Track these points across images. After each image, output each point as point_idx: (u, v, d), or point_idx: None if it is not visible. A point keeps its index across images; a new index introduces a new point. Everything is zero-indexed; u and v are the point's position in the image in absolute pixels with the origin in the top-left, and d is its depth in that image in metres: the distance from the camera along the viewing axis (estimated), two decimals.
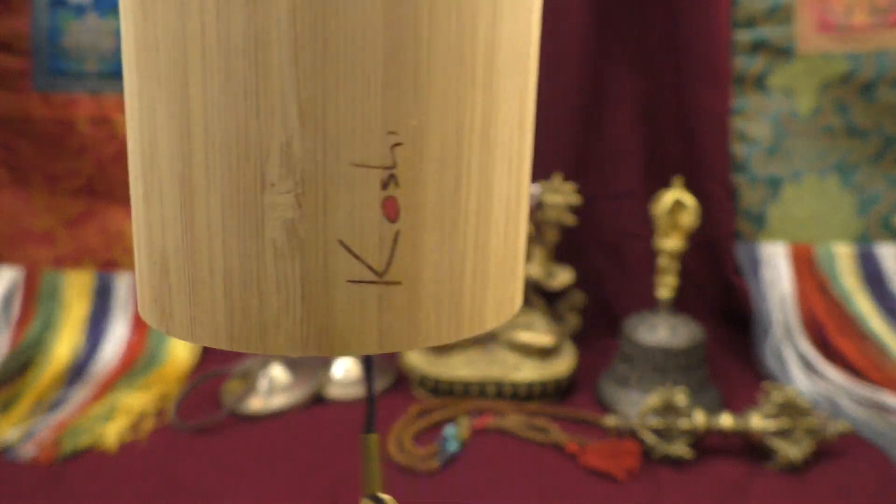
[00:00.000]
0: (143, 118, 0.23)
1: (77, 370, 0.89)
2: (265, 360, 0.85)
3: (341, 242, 0.22)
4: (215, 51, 0.21)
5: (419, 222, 0.22)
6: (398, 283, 0.23)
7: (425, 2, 0.21)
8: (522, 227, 0.27)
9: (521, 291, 0.28)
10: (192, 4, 0.21)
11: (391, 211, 0.22)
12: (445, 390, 0.81)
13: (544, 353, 0.82)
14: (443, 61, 0.21)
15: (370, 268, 0.22)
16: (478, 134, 0.23)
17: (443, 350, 0.83)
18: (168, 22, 0.22)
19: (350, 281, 0.22)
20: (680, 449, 0.68)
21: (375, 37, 0.20)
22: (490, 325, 0.26)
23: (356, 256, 0.22)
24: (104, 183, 0.97)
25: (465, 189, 0.23)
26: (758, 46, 0.91)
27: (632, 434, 0.70)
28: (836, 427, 0.67)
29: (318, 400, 0.82)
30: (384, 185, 0.22)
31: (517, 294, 0.27)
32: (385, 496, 0.30)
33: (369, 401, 0.28)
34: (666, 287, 0.80)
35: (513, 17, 0.23)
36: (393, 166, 0.22)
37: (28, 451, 0.71)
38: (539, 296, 0.90)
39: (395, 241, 0.22)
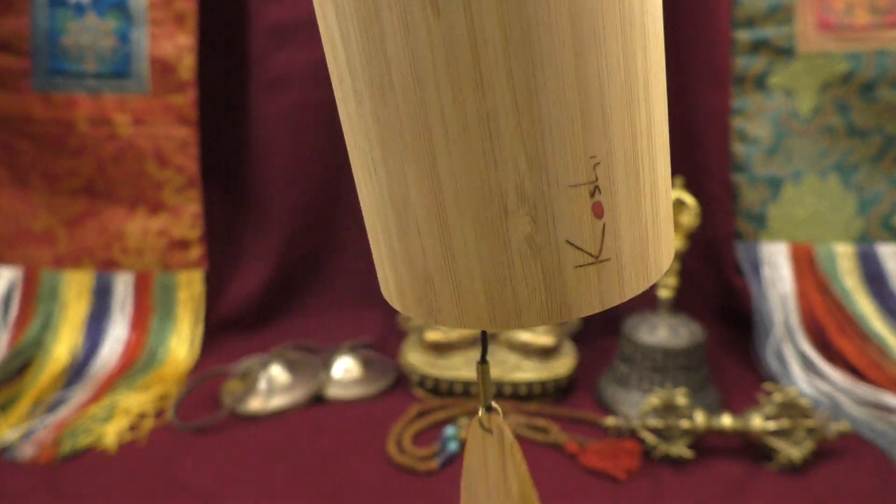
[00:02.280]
0: (390, 175, 0.30)
1: (76, 370, 0.89)
2: (265, 360, 0.85)
3: (568, 241, 0.30)
4: (455, 127, 0.28)
5: (616, 214, 0.30)
6: (608, 259, 0.31)
7: (603, 60, 0.28)
8: (670, 187, 0.35)
9: (672, 233, 0.37)
10: (430, 97, 0.28)
11: (598, 211, 0.30)
12: (445, 390, 0.81)
13: (544, 353, 0.82)
14: (618, 98, 0.29)
15: (589, 254, 0.30)
16: (646, 139, 0.31)
17: (443, 350, 0.83)
18: (410, 110, 0.29)
19: (577, 266, 0.30)
20: (680, 449, 0.68)
21: (572, 97, 0.28)
22: (665, 267, 0.34)
23: (579, 248, 0.30)
24: (104, 183, 0.96)
25: (642, 181, 0.31)
26: (758, 46, 0.91)
27: (632, 434, 0.70)
28: (836, 427, 0.67)
29: (318, 400, 0.82)
30: (592, 194, 0.29)
31: (672, 241, 0.36)
32: (495, 404, 0.39)
33: (483, 338, 0.38)
34: (666, 287, 0.80)
35: (656, 44, 0.31)
36: (596, 180, 0.29)
37: (27, 451, 0.71)
38: None
39: (603, 231, 0.30)
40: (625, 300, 0.32)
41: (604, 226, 0.30)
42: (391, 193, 0.31)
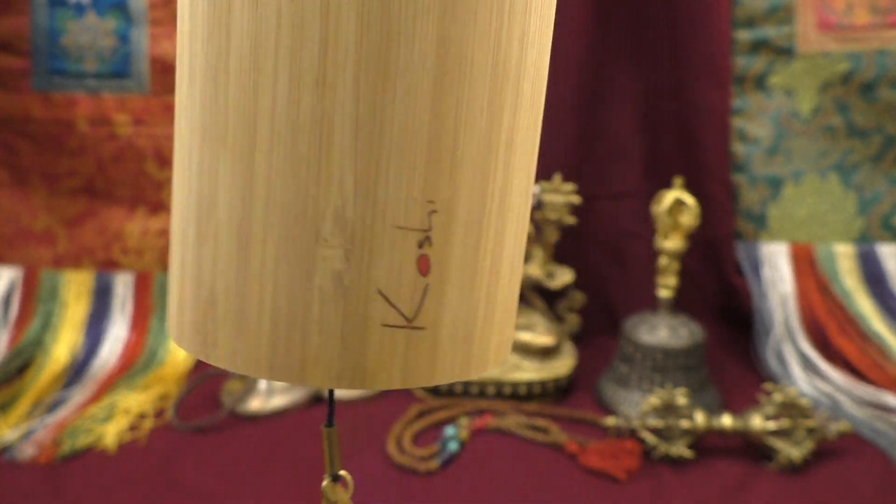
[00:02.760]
0: (202, 172, 0.27)
1: (76, 370, 0.89)
2: None
3: (380, 292, 0.25)
4: (284, 126, 0.24)
5: (445, 277, 0.26)
6: (423, 328, 0.26)
7: (464, 99, 0.25)
8: (518, 281, 0.31)
9: (513, 336, 0.32)
10: (264, 85, 0.24)
11: (424, 267, 0.26)
12: (445, 390, 0.81)
13: (544, 353, 0.82)
14: (474, 145, 0.26)
15: (402, 314, 0.26)
16: (496, 203, 0.28)
17: None
18: (240, 96, 0.25)
19: (384, 325, 0.26)
20: (680, 449, 0.68)
21: (422, 125, 0.25)
22: (490, 365, 0.30)
23: (391, 304, 0.26)
24: (103, 183, 0.96)
25: (482, 249, 0.27)
26: (758, 46, 0.91)
27: (632, 434, 0.70)
28: (836, 427, 0.67)
29: (317, 400, 0.82)
30: (420, 245, 0.26)
31: (511, 336, 0.32)
32: (344, 473, 0.35)
33: (330, 397, 0.34)
34: (666, 287, 0.80)
35: (529, 108, 0.28)
36: (429, 229, 0.26)
37: (27, 451, 0.71)
38: (539, 296, 0.90)
39: (425, 292, 0.26)
40: (432, 385, 0.28)
41: (427, 286, 0.26)
42: (199, 193, 0.27)
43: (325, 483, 0.34)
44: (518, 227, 0.30)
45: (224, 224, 0.26)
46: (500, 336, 0.30)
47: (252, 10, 0.24)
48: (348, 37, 0.24)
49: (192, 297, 0.28)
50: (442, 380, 0.28)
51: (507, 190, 0.28)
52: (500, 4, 0.25)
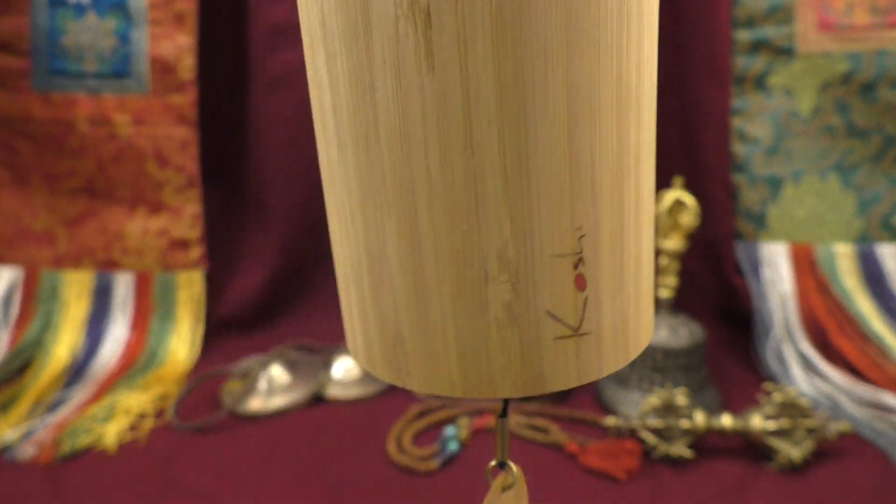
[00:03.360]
0: (368, 227, 0.29)
1: (76, 370, 0.89)
2: (265, 360, 0.85)
3: (548, 312, 0.28)
4: (440, 187, 0.27)
5: (600, 287, 0.29)
6: (588, 333, 0.30)
7: (596, 133, 0.28)
8: (653, 265, 0.35)
9: (653, 311, 0.36)
10: (417, 153, 0.27)
11: (581, 283, 0.29)
12: None
13: None
14: (609, 169, 0.29)
15: (569, 326, 0.29)
16: (633, 212, 0.30)
17: None
18: (395, 164, 0.27)
19: (555, 338, 0.29)
20: (680, 449, 0.68)
21: (562, 165, 0.27)
22: (644, 344, 0.34)
23: (559, 320, 0.29)
24: (104, 183, 0.96)
25: (626, 255, 0.30)
26: (758, 46, 0.91)
27: (632, 434, 0.70)
28: (836, 427, 0.67)
29: (318, 400, 0.82)
30: (575, 266, 0.29)
31: (653, 312, 0.36)
32: (513, 465, 0.37)
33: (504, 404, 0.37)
34: (666, 287, 0.80)
35: (648, 122, 0.31)
36: (580, 252, 0.28)
37: (27, 451, 0.71)
38: None
39: (585, 304, 0.29)
40: (602, 376, 0.31)
41: (586, 298, 0.29)
42: (367, 244, 0.30)
43: (490, 467, 0.37)
44: (650, 223, 0.33)
45: (397, 272, 0.29)
46: (647, 316, 0.34)
47: (395, 88, 0.26)
48: (489, 101, 0.26)
49: (379, 335, 0.31)
50: (608, 370, 0.31)
51: (640, 197, 0.31)
52: (619, 41, 0.27)
